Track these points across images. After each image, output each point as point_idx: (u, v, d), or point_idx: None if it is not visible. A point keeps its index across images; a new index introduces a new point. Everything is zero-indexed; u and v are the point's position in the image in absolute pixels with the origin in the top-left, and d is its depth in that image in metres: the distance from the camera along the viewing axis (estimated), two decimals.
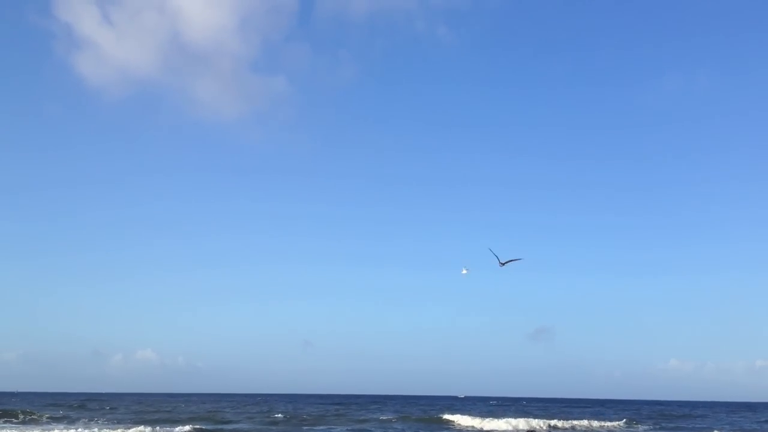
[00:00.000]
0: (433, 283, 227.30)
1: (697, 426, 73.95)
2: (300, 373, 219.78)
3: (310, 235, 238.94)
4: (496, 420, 67.51)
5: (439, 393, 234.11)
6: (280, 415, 75.14)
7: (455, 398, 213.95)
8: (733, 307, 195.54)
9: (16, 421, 64.61)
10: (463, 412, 79.00)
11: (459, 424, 67.36)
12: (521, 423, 66.36)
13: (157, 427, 54.57)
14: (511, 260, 41.59)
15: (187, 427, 56.37)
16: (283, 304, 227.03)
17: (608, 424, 71.46)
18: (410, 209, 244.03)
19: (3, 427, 57.59)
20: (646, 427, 70.57)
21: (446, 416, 73.60)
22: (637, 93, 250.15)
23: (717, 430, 67.37)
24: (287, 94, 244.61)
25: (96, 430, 53.48)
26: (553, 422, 68.05)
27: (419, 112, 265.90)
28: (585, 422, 71.79)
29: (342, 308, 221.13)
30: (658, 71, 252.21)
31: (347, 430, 59.38)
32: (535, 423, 66.97)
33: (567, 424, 68.46)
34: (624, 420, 75.28)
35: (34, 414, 71.28)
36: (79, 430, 52.88)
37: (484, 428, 64.43)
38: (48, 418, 68.53)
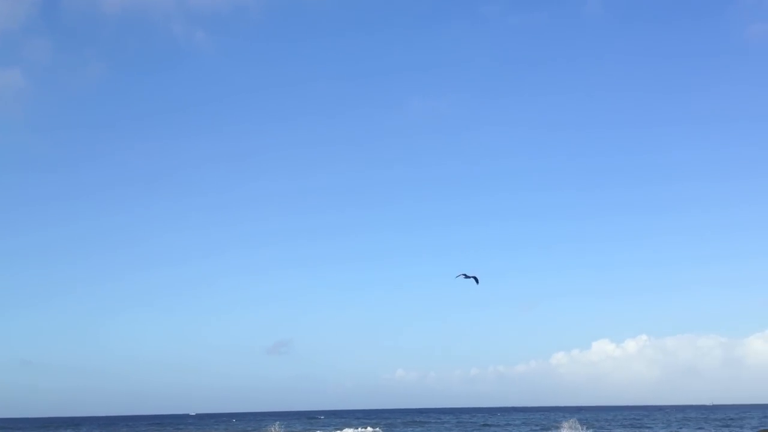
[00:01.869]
0: (161, 294, 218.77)
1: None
2: (18, 393, 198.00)
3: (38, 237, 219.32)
4: None
5: (169, 411, 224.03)
6: None
7: (187, 416, 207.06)
8: (448, 322, 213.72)
9: None
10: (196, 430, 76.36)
11: None
12: None
13: None
14: (471, 276, 41.68)
15: None
16: None
17: None
18: (150, 211, 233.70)
19: None
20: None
21: None
22: (386, 116, 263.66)
23: None
24: (22, 89, 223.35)
25: None
26: None
27: (169, 118, 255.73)
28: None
29: (63, 323, 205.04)
30: (403, 97, 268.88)
31: None
32: None
33: None
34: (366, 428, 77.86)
35: None
36: None
37: None
38: None
